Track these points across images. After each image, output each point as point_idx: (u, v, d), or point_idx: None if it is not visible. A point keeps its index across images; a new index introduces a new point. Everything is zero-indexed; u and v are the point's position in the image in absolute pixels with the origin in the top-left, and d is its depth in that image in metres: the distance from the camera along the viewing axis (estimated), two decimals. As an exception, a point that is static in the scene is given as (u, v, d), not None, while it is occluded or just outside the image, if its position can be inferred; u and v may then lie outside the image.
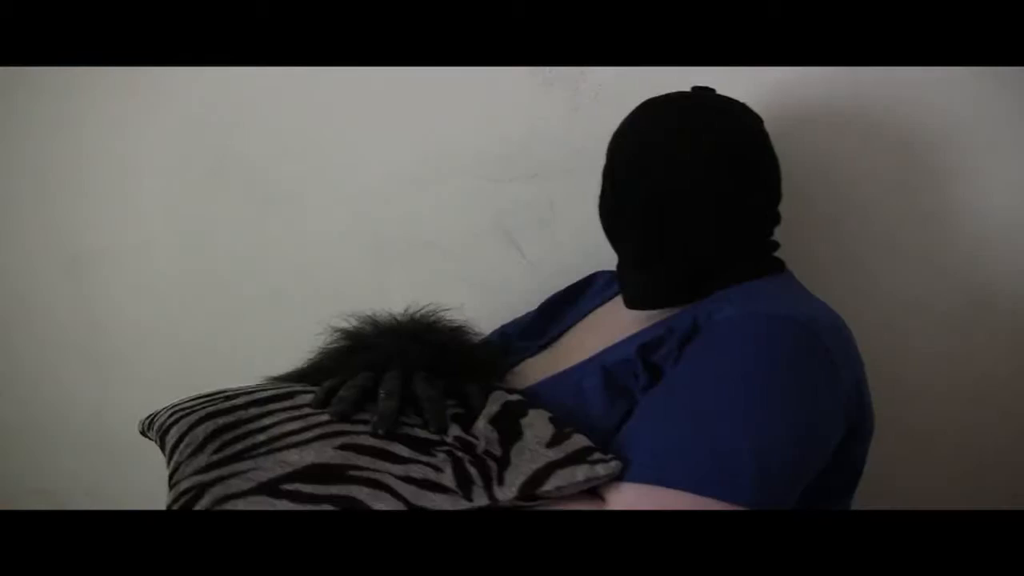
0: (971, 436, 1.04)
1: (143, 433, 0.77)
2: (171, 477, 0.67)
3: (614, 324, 0.85)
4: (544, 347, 0.95)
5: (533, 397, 0.77)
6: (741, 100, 0.86)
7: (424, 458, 0.65)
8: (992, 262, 1.00)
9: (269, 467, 0.64)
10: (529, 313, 1.03)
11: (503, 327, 1.03)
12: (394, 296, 0.86)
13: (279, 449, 0.65)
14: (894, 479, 0.99)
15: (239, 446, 0.66)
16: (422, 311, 0.84)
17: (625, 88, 0.91)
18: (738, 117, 0.83)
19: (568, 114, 1.08)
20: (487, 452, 0.67)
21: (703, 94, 0.85)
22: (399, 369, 0.73)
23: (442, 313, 0.84)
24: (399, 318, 0.83)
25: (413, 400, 0.71)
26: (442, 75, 1.11)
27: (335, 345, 0.80)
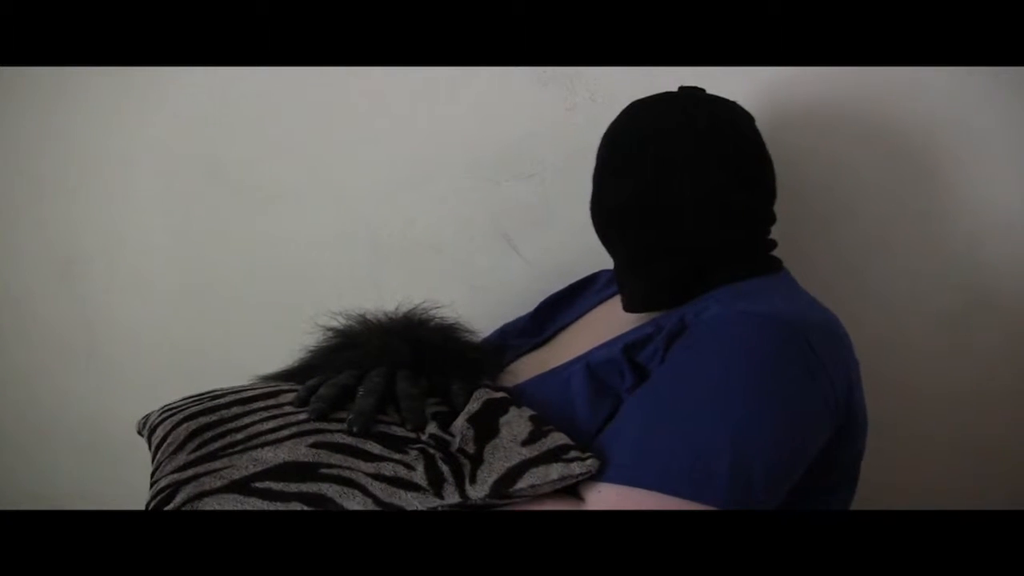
0: (968, 435, 1.04)
1: (140, 433, 0.77)
2: (152, 475, 0.68)
3: (607, 323, 0.85)
4: (538, 345, 0.94)
5: (519, 395, 0.76)
6: (735, 99, 0.85)
7: (396, 455, 0.66)
8: (987, 261, 1.00)
9: (243, 465, 0.64)
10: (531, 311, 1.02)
11: (504, 326, 1.02)
12: (391, 296, 0.86)
13: (254, 447, 0.66)
14: (892, 479, 0.99)
15: (216, 445, 0.67)
16: (414, 309, 0.84)
17: (621, 88, 0.91)
18: (727, 115, 0.83)
19: (564, 114, 1.08)
20: (461, 450, 0.67)
21: (692, 93, 0.84)
22: (383, 367, 0.74)
23: (434, 311, 0.84)
24: (389, 316, 0.83)
25: (393, 398, 0.72)
26: (438, 75, 1.11)
27: (324, 343, 0.81)
